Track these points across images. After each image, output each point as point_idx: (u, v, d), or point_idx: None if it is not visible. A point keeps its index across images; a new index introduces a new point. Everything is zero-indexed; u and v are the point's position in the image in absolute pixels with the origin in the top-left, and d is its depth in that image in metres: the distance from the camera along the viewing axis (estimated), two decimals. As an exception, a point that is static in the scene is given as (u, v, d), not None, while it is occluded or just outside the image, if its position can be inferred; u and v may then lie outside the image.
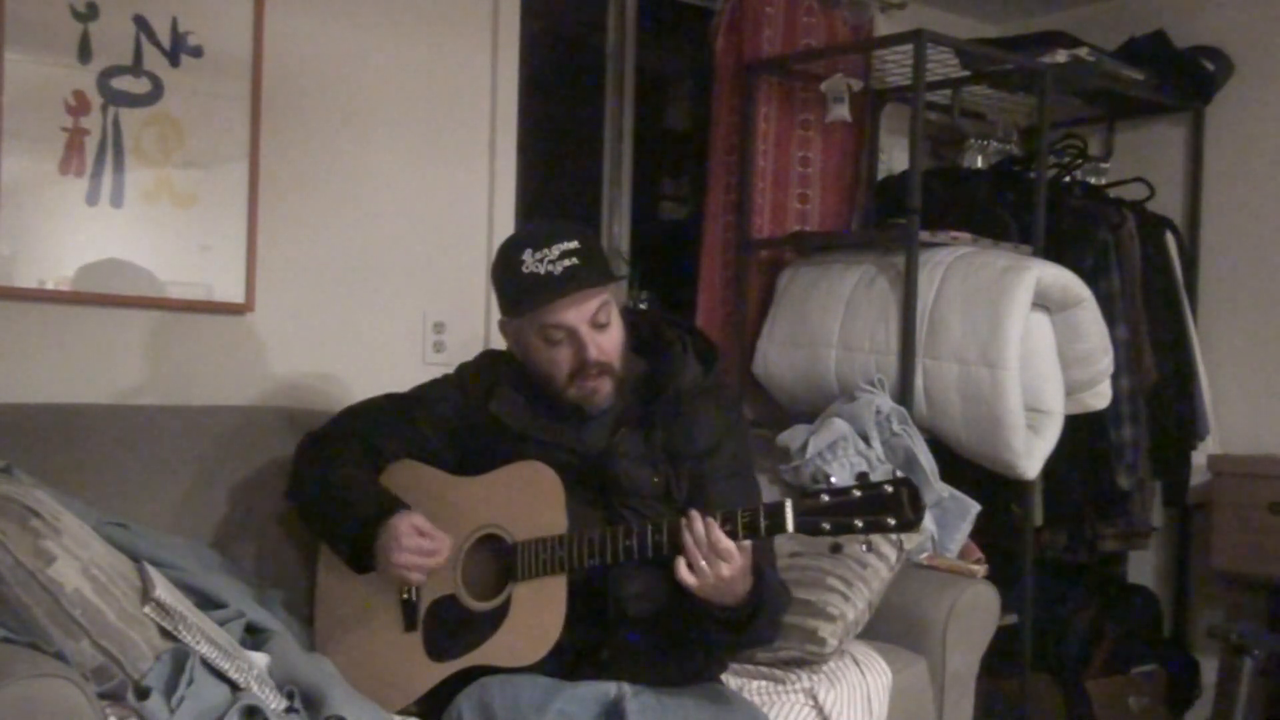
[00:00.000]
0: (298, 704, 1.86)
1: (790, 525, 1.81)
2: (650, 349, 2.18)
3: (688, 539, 1.84)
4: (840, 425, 3.00)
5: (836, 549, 1.88)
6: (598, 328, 2.03)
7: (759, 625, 1.94)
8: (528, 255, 2.00)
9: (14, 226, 2.45)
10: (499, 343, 3.04)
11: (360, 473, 2.16)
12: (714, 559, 1.83)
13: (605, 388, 2.06)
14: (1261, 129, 3.79)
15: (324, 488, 2.15)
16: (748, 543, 1.85)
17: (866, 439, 3.00)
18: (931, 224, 3.24)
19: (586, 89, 3.71)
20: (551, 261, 1.98)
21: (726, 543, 1.82)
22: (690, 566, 1.84)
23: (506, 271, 2.05)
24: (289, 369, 2.81)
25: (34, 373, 2.47)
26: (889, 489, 1.79)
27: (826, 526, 1.81)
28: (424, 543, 2.01)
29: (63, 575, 1.72)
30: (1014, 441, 3.03)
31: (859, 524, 1.79)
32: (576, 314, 2.01)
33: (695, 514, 1.85)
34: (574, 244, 2.00)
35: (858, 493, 1.81)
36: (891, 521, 1.79)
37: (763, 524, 1.83)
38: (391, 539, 2.01)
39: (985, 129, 3.88)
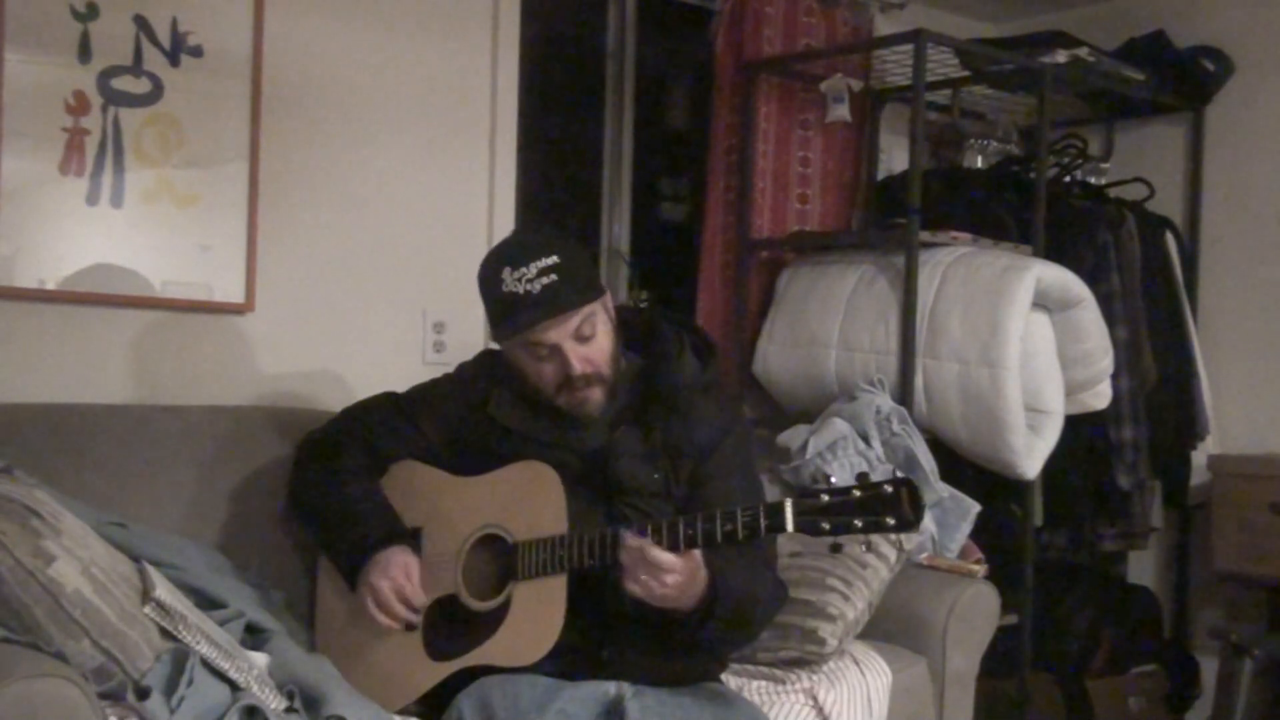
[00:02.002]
0: (298, 704, 1.86)
1: (790, 525, 1.81)
2: (647, 346, 2.18)
3: (625, 559, 1.84)
4: (840, 425, 3.00)
5: (836, 549, 1.88)
6: (582, 340, 2.02)
7: (711, 629, 1.93)
8: (506, 274, 1.99)
9: (14, 226, 2.45)
10: (498, 343, 3.05)
11: (367, 487, 2.17)
12: (655, 572, 1.82)
13: (595, 396, 2.06)
14: (1261, 129, 3.79)
15: (330, 498, 2.15)
16: (696, 551, 1.85)
17: (866, 439, 3.00)
18: (931, 224, 3.23)
19: (586, 89, 3.71)
20: (530, 280, 1.97)
21: (667, 558, 1.82)
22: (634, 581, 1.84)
23: (487, 289, 2.04)
24: (289, 369, 2.81)
25: (34, 373, 2.47)
26: (889, 489, 1.79)
27: (826, 526, 1.80)
28: (405, 585, 2.02)
29: (63, 575, 1.72)
30: (1014, 441, 3.03)
31: (859, 524, 1.79)
32: (558, 332, 2.00)
33: (627, 535, 1.84)
34: (552, 259, 1.98)
35: (858, 493, 1.81)
36: (891, 521, 1.79)
37: (762, 523, 1.82)
38: (380, 564, 2.03)
39: (985, 129, 3.88)
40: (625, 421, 2.10)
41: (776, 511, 1.82)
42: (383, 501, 2.15)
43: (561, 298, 1.98)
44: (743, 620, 2.03)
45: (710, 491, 2.06)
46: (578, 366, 2.01)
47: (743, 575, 1.99)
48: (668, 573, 1.82)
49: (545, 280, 1.97)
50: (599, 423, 2.09)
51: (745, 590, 1.99)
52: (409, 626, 2.06)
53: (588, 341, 2.03)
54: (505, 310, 2.00)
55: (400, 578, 2.02)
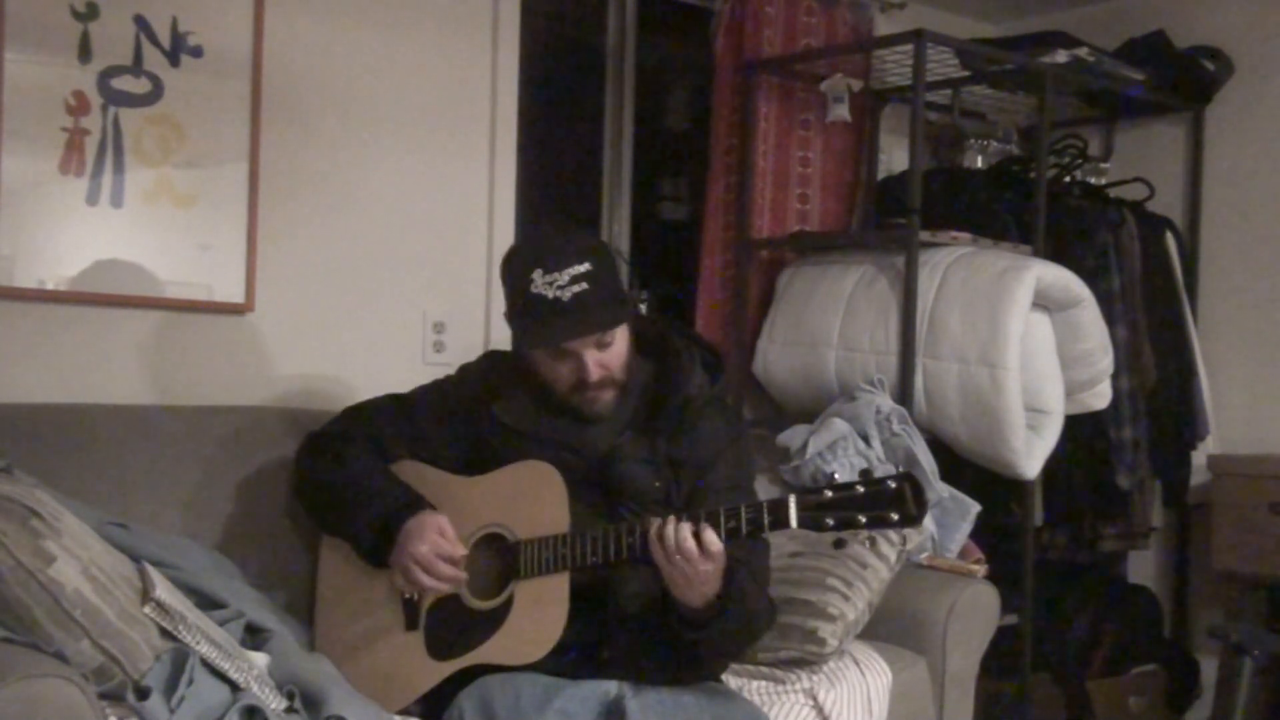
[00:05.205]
0: (298, 704, 1.86)
1: (794, 521, 1.81)
2: (656, 354, 2.18)
3: (655, 548, 1.85)
4: (840, 425, 3.00)
5: (840, 544, 1.88)
6: (601, 347, 2.03)
7: (718, 630, 1.93)
8: (537, 275, 1.97)
9: (14, 226, 2.45)
10: (499, 343, 3.05)
11: (379, 466, 2.16)
12: (702, 556, 1.83)
13: (606, 396, 2.07)
14: (1261, 129, 3.79)
15: (341, 479, 2.15)
16: (719, 548, 1.84)
17: (866, 439, 3.00)
18: (931, 224, 3.23)
19: (586, 89, 3.71)
20: (561, 287, 1.96)
21: (718, 545, 1.83)
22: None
23: (514, 284, 2.03)
24: (289, 369, 2.80)
25: (34, 373, 2.47)
26: (892, 484, 1.80)
27: (830, 522, 1.81)
28: (444, 544, 2.01)
29: (63, 575, 1.71)
30: (1014, 441, 3.03)
31: (862, 519, 1.80)
32: (581, 341, 2.01)
33: (658, 521, 1.86)
34: (585, 267, 1.97)
35: (861, 488, 1.81)
36: (895, 517, 1.79)
37: (766, 520, 1.83)
38: (414, 532, 2.02)
39: (985, 129, 3.88)
40: (632, 428, 2.10)
41: (780, 507, 1.82)
42: (395, 477, 2.15)
43: (591, 313, 1.97)
44: (745, 629, 2.04)
45: (709, 504, 2.06)
46: (594, 374, 2.02)
47: (751, 585, 2.00)
48: (709, 560, 1.83)
49: (576, 289, 1.96)
50: (605, 426, 2.10)
51: (754, 598, 2.00)
52: (409, 614, 2.06)
53: (607, 348, 2.04)
54: (532, 313, 1.99)
55: (438, 538, 2.01)
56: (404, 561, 2.02)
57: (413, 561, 2.01)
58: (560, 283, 1.96)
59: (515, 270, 2.03)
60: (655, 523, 1.86)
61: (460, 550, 2.02)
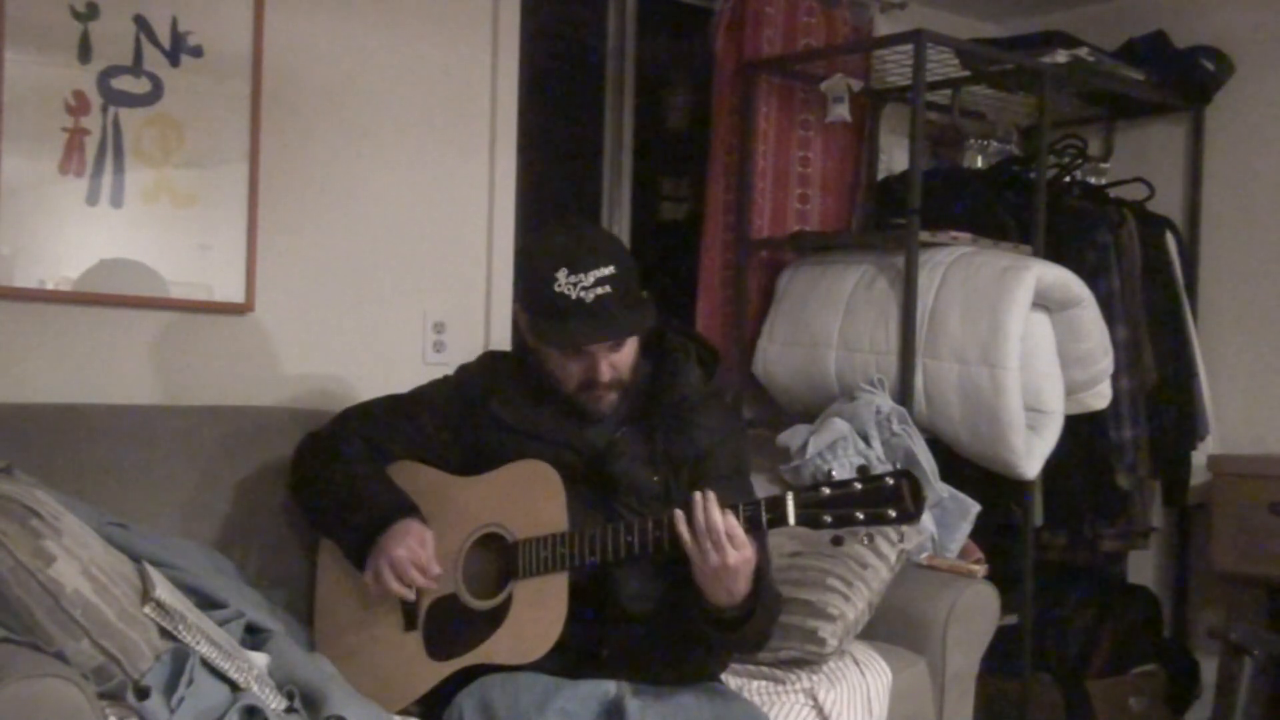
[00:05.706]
0: (298, 704, 1.86)
1: (792, 518, 1.82)
2: (653, 352, 2.19)
3: (683, 530, 1.84)
4: (840, 425, 3.01)
5: (838, 542, 1.88)
6: (615, 349, 2.04)
7: (751, 629, 1.94)
8: (562, 275, 1.97)
9: (14, 226, 2.45)
10: (499, 343, 3.05)
11: (374, 469, 2.17)
12: (722, 544, 1.82)
13: (611, 396, 2.08)
14: (1261, 129, 3.78)
15: (336, 481, 2.15)
16: (739, 533, 1.84)
17: (866, 439, 3.00)
18: (931, 224, 3.23)
19: (586, 89, 3.71)
20: (585, 289, 1.96)
21: (740, 533, 1.82)
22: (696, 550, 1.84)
23: (536, 280, 2.02)
24: (289, 369, 2.81)
25: (34, 373, 2.47)
26: (890, 481, 1.80)
27: (828, 519, 1.81)
28: (420, 553, 2.02)
29: (63, 575, 1.72)
30: (1014, 441, 3.03)
31: (860, 516, 1.80)
32: (598, 344, 2.02)
33: (697, 496, 1.84)
34: (609, 269, 1.97)
35: (859, 485, 1.82)
36: (893, 514, 1.79)
37: (764, 517, 1.83)
38: (395, 536, 2.02)
39: (985, 129, 3.88)
40: (628, 424, 2.11)
41: (778, 504, 1.82)
42: (389, 481, 2.16)
43: (614, 317, 1.98)
44: (772, 620, 2.04)
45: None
46: (606, 375, 2.04)
47: (773, 581, 2.01)
48: (737, 549, 1.82)
49: (600, 290, 1.96)
50: (603, 424, 2.11)
51: (776, 589, 2.02)
52: (408, 614, 2.07)
53: (620, 350, 2.05)
54: (554, 313, 1.99)
55: (416, 546, 2.02)
56: (378, 562, 2.03)
57: (386, 563, 2.02)
58: (585, 284, 1.96)
59: (538, 266, 2.02)
60: (696, 500, 1.84)
61: (435, 566, 2.03)
